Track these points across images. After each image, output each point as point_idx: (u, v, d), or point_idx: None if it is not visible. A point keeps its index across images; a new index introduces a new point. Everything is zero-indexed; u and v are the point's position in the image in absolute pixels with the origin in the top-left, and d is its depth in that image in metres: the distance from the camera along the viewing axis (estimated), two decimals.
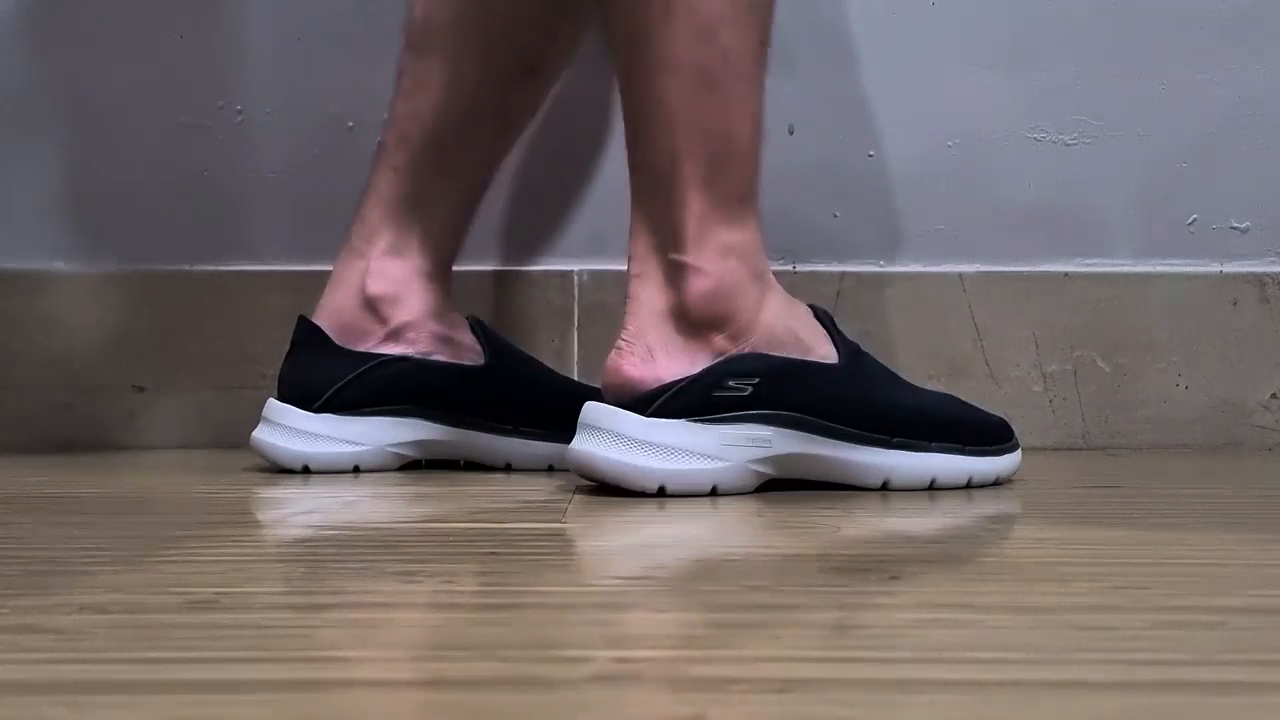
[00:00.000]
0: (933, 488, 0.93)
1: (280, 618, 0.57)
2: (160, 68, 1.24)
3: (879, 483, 0.92)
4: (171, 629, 0.54)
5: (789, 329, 0.92)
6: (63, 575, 0.65)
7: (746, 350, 0.90)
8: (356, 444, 1.03)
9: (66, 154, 1.25)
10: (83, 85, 1.25)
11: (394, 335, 1.05)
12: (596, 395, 0.91)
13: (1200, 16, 1.24)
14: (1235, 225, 1.25)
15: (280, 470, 1.03)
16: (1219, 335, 1.23)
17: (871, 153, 1.25)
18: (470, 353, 1.06)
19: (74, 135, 1.25)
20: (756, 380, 0.89)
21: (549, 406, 1.04)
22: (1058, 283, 1.24)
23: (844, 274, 1.24)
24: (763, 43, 0.90)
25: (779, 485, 0.91)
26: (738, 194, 0.90)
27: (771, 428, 0.90)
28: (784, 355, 0.91)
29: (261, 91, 1.25)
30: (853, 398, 0.92)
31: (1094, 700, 0.45)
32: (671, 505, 0.86)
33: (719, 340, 0.90)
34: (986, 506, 0.89)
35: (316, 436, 1.03)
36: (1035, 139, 1.25)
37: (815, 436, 0.91)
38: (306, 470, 1.03)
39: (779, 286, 0.93)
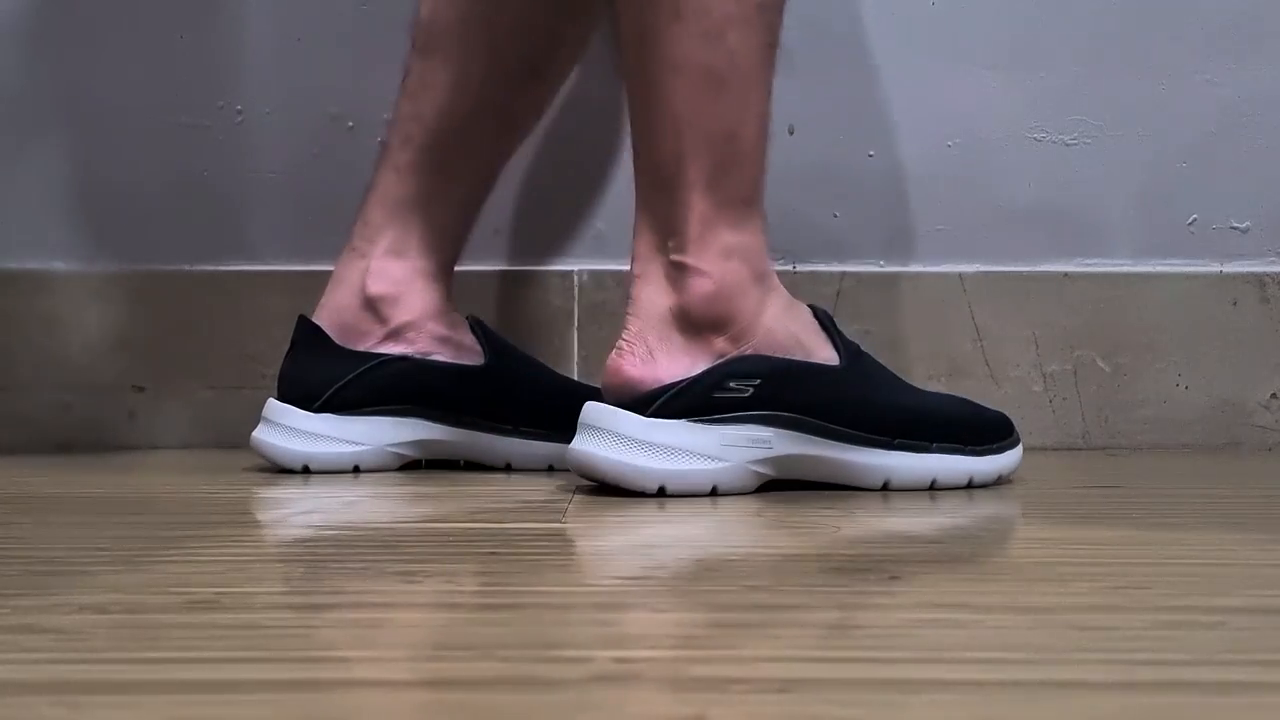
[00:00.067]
0: (933, 488, 0.93)
1: (280, 618, 0.57)
2: (160, 68, 1.24)
3: (879, 484, 0.92)
4: (171, 629, 0.54)
5: (790, 331, 0.92)
6: (63, 575, 0.65)
7: (747, 352, 0.90)
8: (356, 444, 1.03)
9: (66, 154, 1.25)
10: (83, 85, 1.25)
11: (394, 335, 1.05)
12: (597, 395, 0.91)
13: (1200, 16, 1.24)
14: (1235, 225, 1.25)
15: (280, 470, 1.03)
16: (1219, 335, 1.23)
17: (871, 153, 1.25)
18: (470, 353, 1.06)
19: (74, 135, 1.25)
20: (757, 381, 0.89)
21: (549, 406, 1.04)
22: (1058, 283, 1.24)
23: (844, 274, 1.24)
24: (771, 45, 0.90)
25: (779, 485, 0.91)
26: (742, 196, 0.90)
27: (772, 429, 0.90)
28: (785, 357, 0.91)
29: (261, 91, 1.25)
30: (853, 399, 0.92)
31: (1094, 700, 0.45)
32: (671, 505, 0.86)
33: (720, 342, 0.90)
34: (987, 506, 0.89)
35: (316, 436, 1.03)
36: (1035, 139, 1.25)
37: (816, 438, 0.91)
38: (306, 470, 1.03)
39: (781, 288, 0.93)
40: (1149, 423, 1.23)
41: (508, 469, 1.06)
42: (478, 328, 1.07)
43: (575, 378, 1.21)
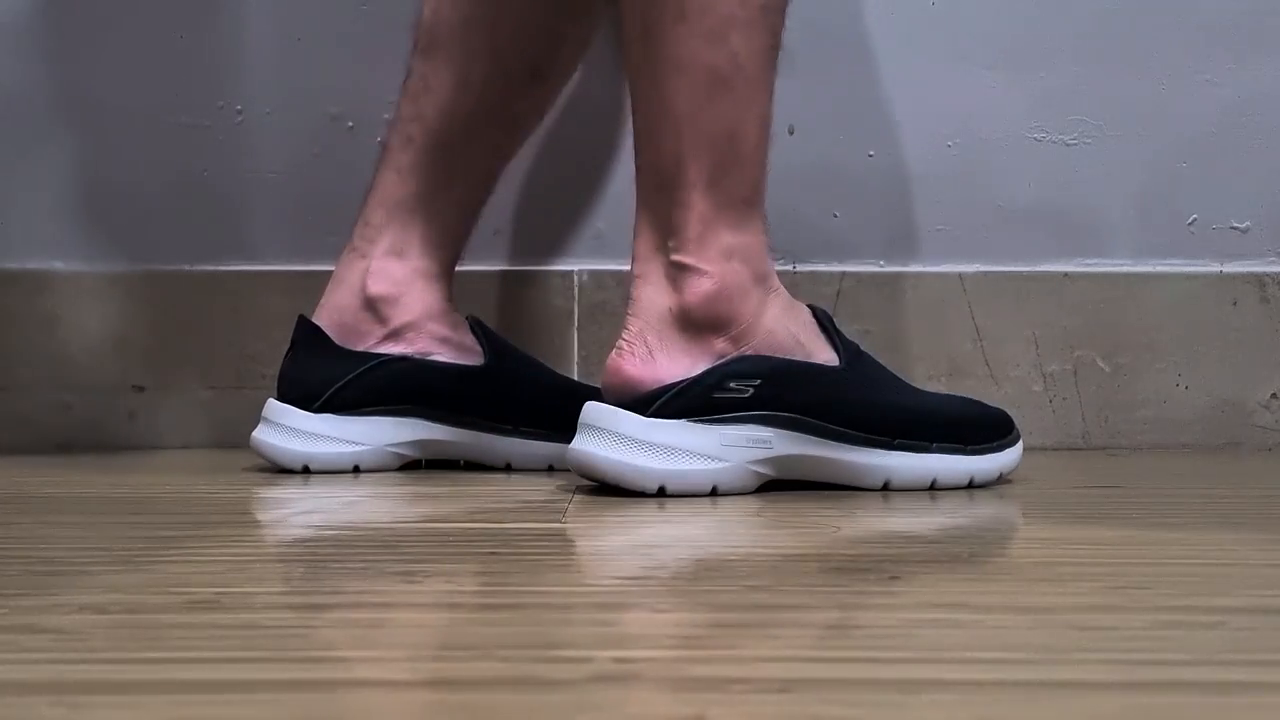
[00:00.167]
0: (934, 488, 0.93)
1: (280, 618, 0.57)
2: (160, 68, 1.24)
3: (880, 484, 0.92)
4: (171, 629, 0.54)
5: (790, 332, 0.92)
6: (63, 575, 0.65)
7: (748, 352, 0.90)
8: (356, 444, 1.03)
9: (66, 154, 1.25)
10: (83, 85, 1.25)
11: (394, 335, 1.05)
12: (597, 395, 0.91)
13: (1200, 16, 1.24)
14: (1235, 225, 1.25)
15: (280, 470, 1.03)
16: (1219, 335, 1.23)
17: (871, 153, 1.25)
18: (470, 353, 1.06)
19: (74, 135, 1.25)
20: (757, 382, 0.89)
21: (549, 406, 1.04)
22: (1058, 283, 1.24)
23: (844, 274, 1.24)
24: (773, 46, 0.90)
25: (779, 485, 0.91)
26: (743, 197, 0.90)
27: (772, 429, 0.90)
28: (785, 357, 0.91)
29: (261, 91, 1.25)
30: (853, 400, 0.92)
31: (1094, 700, 0.45)
32: (671, 505, 0.86)
33: (720, 342, 0.90)
34: (987, 506, 0.89)
35: (316, 436, 1.03)
36: (1035, 139, 1.25)
37: (816, 438, 0.91)
38: (306, 470, 1.03)
39: (782, 290, 0.93)
40: (1149, 423, 1.23)
41: (508, 469, 1.06)
42: (478, 328, 1.07)
43: (575, 378, 1.21)
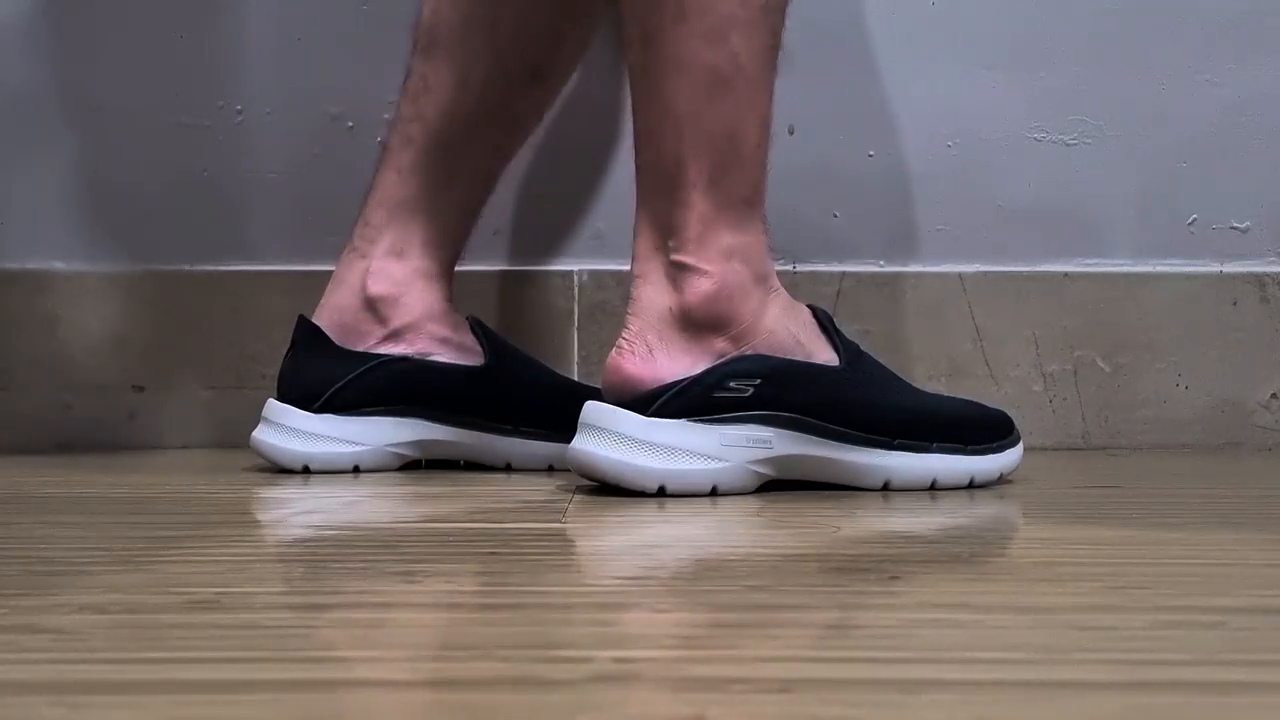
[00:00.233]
0: (934, 488, 0.93)
1: (280, 618, 0.57)
2: (160, 68, 1.24)
3: (880, 484, 0.92)
4: (171, 629, 0.54)
5: (791, 333, 0.92)
6: (63, 575, 0.65)
7: (748, 352, 0.90)
8: (356, 444, 1.03)
9: (67, 154, 1.25)
10: (83, 85, 1.25)
11: (394, 336, 1.05)
12: (597, 396, 0.91)
13: (1200, 16, 1.24)
14: (1235, 225, 1.25)
15: (280, 470, 1.03)
16: (1219, 335, 1.23)
17: (871, 153, 1.25)
18: (471, 353, 1.06)
19: (74, 135, 1.25)
20: (758, 381, 0.89)
21: (549, 407, 1.04)
22: (1057, 283, 1.24)
23: (844, 274, 1.24)
24: (773, 46, 0.90)
25: (779, 485, 0.91)
26: (743, 197, 0.90)
27: (772, 429, 0.90)
28: (785, 357, 0.91)
29: (261, 91, 1.25)
30: (854, 400, 0.92)
31: (1094, 700, 0.45)
32: (671, 505, 0.86)
33: (720, 342, 0.90)
34: (987, 506, 0.89)
35: (316, 436, 1.03)
36: (1035, 139, 1.25)
37: (816, 438, 0.91)
38: (306, 470, 1.03)
39: (783, 290, 0.93)
40: (1149, 423, 1.23)
41: (508, 469, 1.06)
42: (478, 328, 1.07)
43: (575, 378, 1.21)
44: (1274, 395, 1.23)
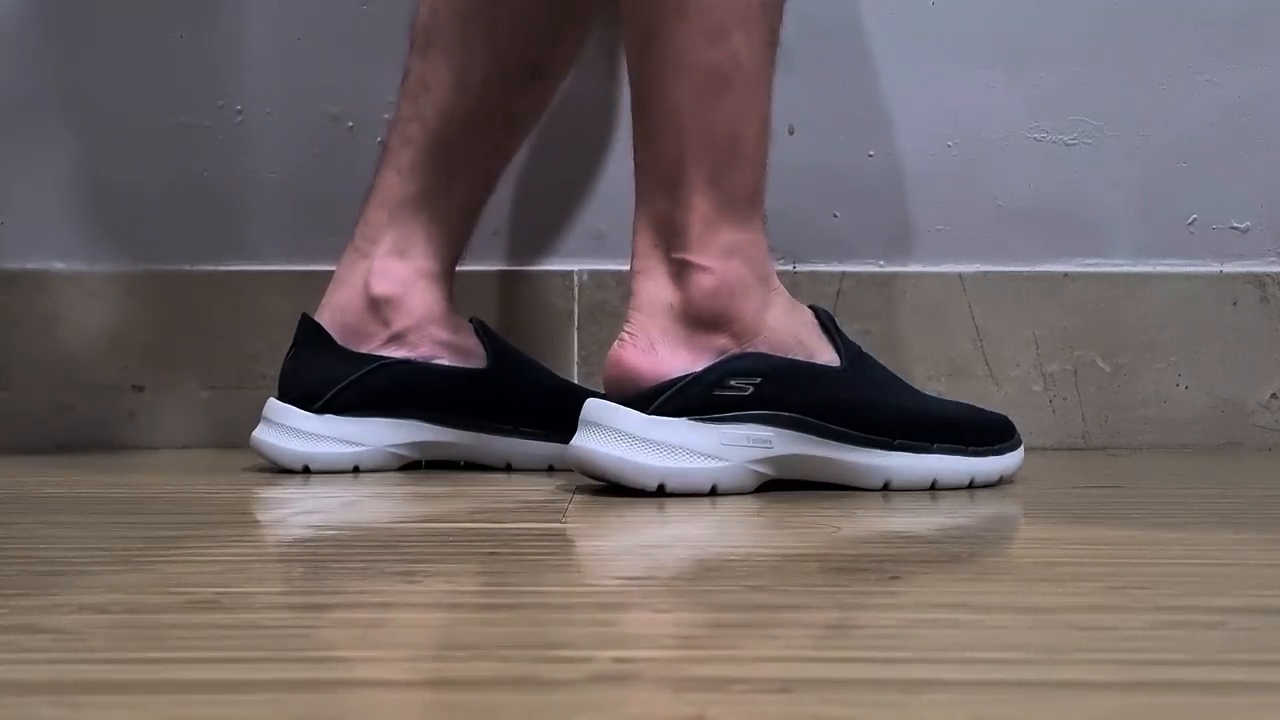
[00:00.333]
0: (934, 489, 0.93)
1: (280, 618, 0.57)
2: (160, 68, 1.24)
3: (880, 484, 0.92)
4: (171, 629, 0.54)
5: (793, 332, 0.91)
6: (63, 575, 0.65)
7: (749, 350, 0.90)
8: (356, 444, 1.03)
9: (66, 154, 1.25)
10: (83, 85, 1.25)
11: (397, 339, 1.05)
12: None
13: (1200, 16, 1.24)
14: (1235, 225, 1.25)
15: (280, 470, 1.03)
16: (1219, 335, 1.23)
17: (871, 153, 1.25)
18: (472, 356, 1.06)
19: (74, 135, 1.25)
20: (758, 380, 0.89)
21: (550, 408, 1.04)
22: (1057, 283, 1.24)
23: (844, 274, 1.24)
24: (772, 43, 0.90)
25: (779, 485, 0.91)
26: (744, 195, 0.90)
27: (772, 428, 0.90)
28: (786, 357, 0.91)
29: (261, 91, 1.25)
30: (854, 400, 0.92)
31: (1094, 700, 0.45)
32: (671, 505, 0.86)
33: (721, 339, 0.90)
34: (987, 506, 0.89)
35: (316, 436, 1.03)
36: (1035, 139, 1.25)
37: (816, 438, 0.91)
38: (306, 470, 1.03)
39: (784, 290, 0.93)
40: (1149, 423, 1.23)
41: (508, 469, 1.06)
42: (481, 330, 1.07)
43: (575, 378, 1.21)
44: (1274, 395, 1.23)
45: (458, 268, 1.09)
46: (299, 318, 1.06)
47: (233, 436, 1.17)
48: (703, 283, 0.89)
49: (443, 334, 1.06)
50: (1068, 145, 1.25)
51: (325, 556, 0.73)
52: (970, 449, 0.94)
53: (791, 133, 1.23)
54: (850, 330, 0.98)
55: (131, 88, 1.24)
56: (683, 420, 0.88)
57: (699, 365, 0.89)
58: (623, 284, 0.93)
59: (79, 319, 1.24)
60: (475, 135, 1.06)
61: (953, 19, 1.24)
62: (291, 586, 0.65)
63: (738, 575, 0.66)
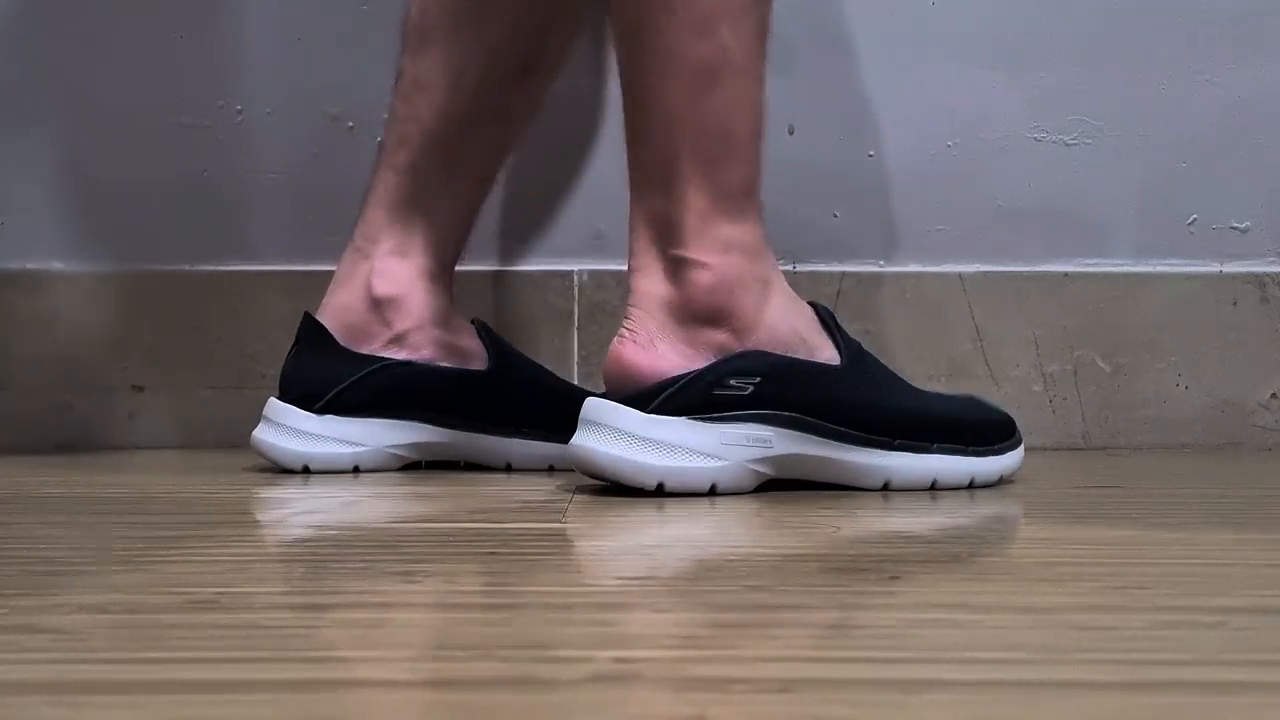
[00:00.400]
0: (934, 488, 0.93)
1: (280, 618, 0.57)
2: (160, 68, 1.24)
3: (880, 484, 0.92)
4: (171, 629, 0.54)
5: (794, 329, 0.91)
6: (63, 575, 0.65)
7: (749, 348, 0.90)
8: (356, 444, 1.03)
9: (66, 154, 1.25)
10: (83, 85, 1.25)
11: (398, 340, 1.05)
12: None
13: (1200, 16, 1.24)
14: (1235, 225, 1.25)
15: (280, 470, 1.03)
16: (1219, 335, 1.23)
17: (871, 153, 1.25)
18: (473, 357, 1.06)
19: (74, 135, 1.25)
20: (758, 379, 0.89)
21: (550, 408, 1.04)
22: (1057, 283, 1.24)
23: (844, 274, 1.24)
24: (761, 35, 0.89)
25: (779, 485, 0.91)
26: (739, 189, 0.90)
27: (772, 428, 0.90)
28: (786, 355, 0.90)
29: (261, 91, 1.25)
30: (854, 400, 0.92)
31: (1094, 700, 0.45)
32: (671, 505, 0.86)
33: (721, 336, 0.89)
34: (987, 506, 0.89)
35: (316, 437, 1.03)
36: (1035, 139, 1.25)
37: (816, 438, 0.91)
38: (306, 470, 1.03)
39: (785, 285, 0.92)
40: (1149, 423, 1.23)
41: (508, 469, 1.06)
42: (483, 331, 1.07)
43: (575, 378, 1.21)
44: (1274, 395, 1.23)
45: (457, 268, 1.09)
46: (301, 317, 1.06)
47: (233, 436, 1.17)
48: (700, 279, 0.89)
49: (444, 336, 1.05)
50: (1068, 145, 1.25)
51: (325, 556, 0.73)
52: (970, 449, 0.94)
53: (791, 133, 1.23)
54: (850, 330, 0.98)
55: (131, 88, 1.24)
56: (682, 419, 0.88)
57: (698, 361, 0.89)
58: (622, 284, 0.93)
59: (79, 319, 1.24)
60: (470, 133, 1.06)
61: (952, 19, 1.24)
62: (291, 586, 0.65)
63: (738, 575, 0.66)
